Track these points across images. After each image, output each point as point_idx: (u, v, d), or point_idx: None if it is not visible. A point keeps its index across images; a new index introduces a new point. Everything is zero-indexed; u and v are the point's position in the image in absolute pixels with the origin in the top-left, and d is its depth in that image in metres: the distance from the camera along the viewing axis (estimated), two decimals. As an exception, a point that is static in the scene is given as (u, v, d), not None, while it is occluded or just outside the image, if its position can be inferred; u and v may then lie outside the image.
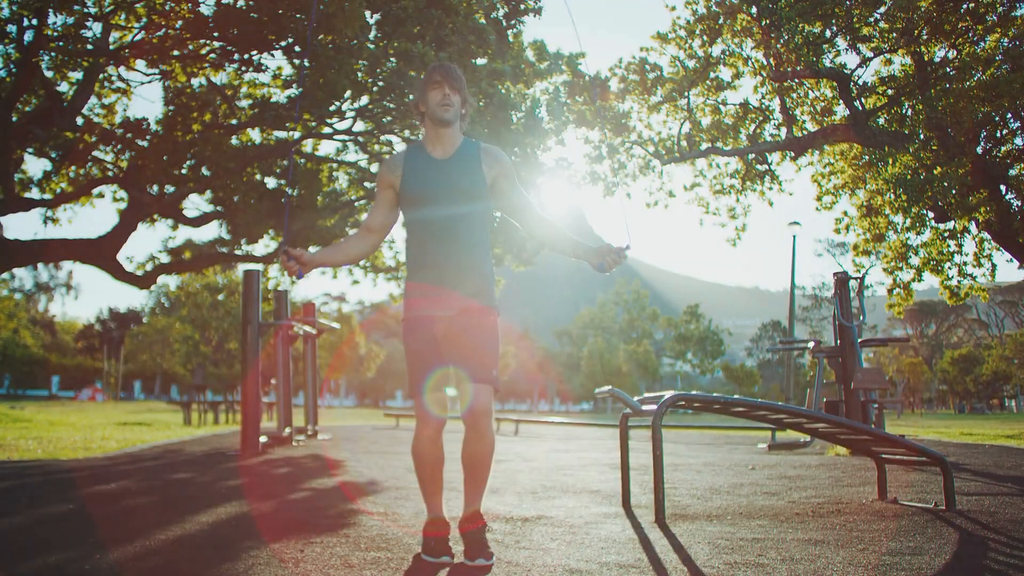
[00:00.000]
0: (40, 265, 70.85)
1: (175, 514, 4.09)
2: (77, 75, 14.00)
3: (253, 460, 7.28)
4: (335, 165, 15.96)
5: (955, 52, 14.36)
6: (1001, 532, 3.67)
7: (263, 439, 8.36)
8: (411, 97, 11.93)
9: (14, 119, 13.51)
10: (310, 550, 3.26)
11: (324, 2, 8.78)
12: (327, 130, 13.92)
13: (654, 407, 4.12)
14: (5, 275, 64.25)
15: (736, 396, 4.04)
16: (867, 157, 15.32)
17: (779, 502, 4.74)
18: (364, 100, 12.79)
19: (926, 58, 14.43)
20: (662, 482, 3.97)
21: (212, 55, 11.72)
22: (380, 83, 11.80)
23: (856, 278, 9.68)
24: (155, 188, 14.54)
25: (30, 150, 14.52)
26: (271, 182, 16.16)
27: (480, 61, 12.58)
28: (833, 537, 3.57)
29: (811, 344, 9.90)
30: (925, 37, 14.19)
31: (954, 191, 13.10)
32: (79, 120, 14.47)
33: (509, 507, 4.55)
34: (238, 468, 6.56)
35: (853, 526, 3.84)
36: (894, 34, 14.25)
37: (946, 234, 15.58)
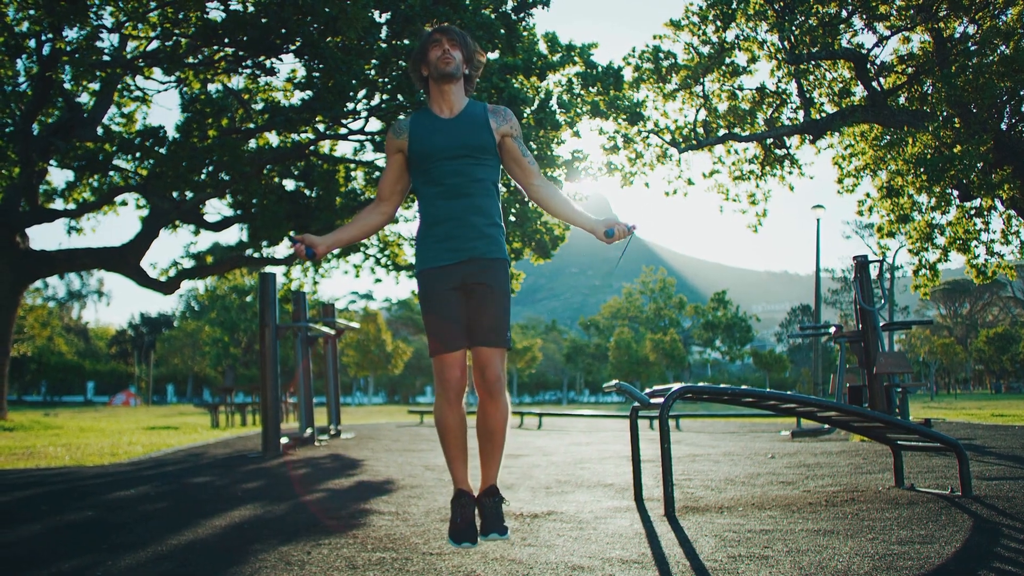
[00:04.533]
0: (72, 273, 71.97)
1: (189, 519, 4.14)
2: (95, 86, 14.21)
3: (274, 462, 7.34)
4: (352, 165, 16.04)
5: (975, 27, 14.10)
6: (1016, 518, 3.61)
7: (284, 440, 8.44)
8: (421, 95, 12.03)
9: (36, 132, 13.75)
10: (317, 552, 3.28)
11: (328, 5, 8.81)
12: (342, 131, 14.00)
13: (662, 400, 4.10)
14: (38, 284, 65.48)
15: (744, 387, 4.01)
16: (887, 137, 15.11)
17: (793, 491, 4.70)
18: (377, 99, 12.86)
19: (945, 34, 14.19)
20: (670, 475, 3.95)
21: (224, 62, 11.83)
22: (392, 83, 11.84)
23: (876, 261, 9.56)
24: (176, 194, 14.73)
25: (53, 162, 14.76)
26: (289, 184, 16.30)
27: (492, 56, 12.57)
28: (843, 527, 3.53)
29: (832, 329, 9.79)
30: (944, 13, 13.95)
31: (977, 168, 12.88)
32: (100, 130, 14.70)
33: (521, 503, 4.55)
34: (257, 470, 6.63)
35: (865, 515, 3.79)
36: (911, 11, 14.02)
37: (972, 212, 15.34)
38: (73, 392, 65.11)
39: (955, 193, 14.62)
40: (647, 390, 4.53)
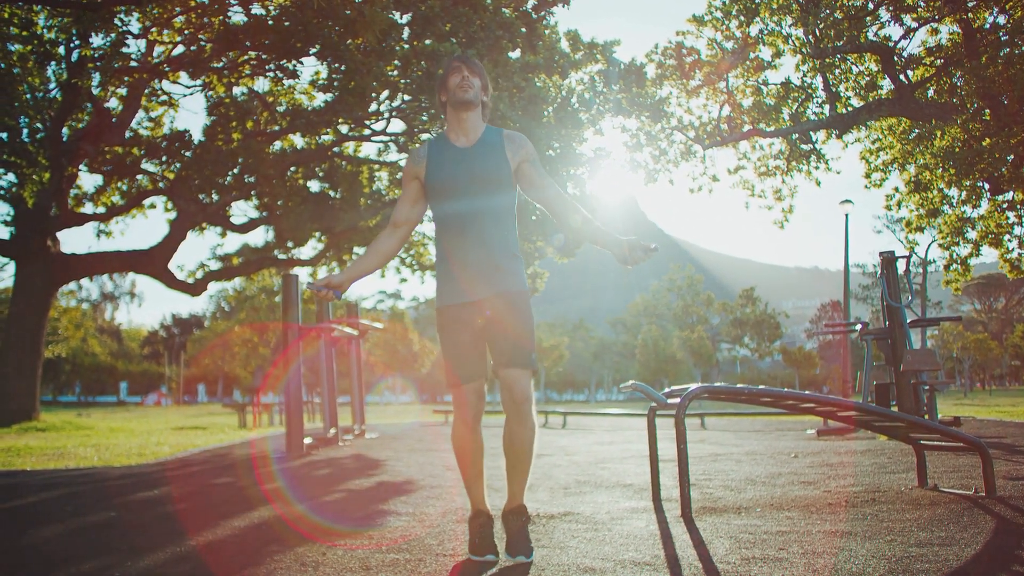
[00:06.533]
0: (104, 275, 73.05)
1: (209, 520, 4.18)
2: (123, 91, 14.40)
3: (296, 462, 7.41)
4: (376, 166, 16.12)
5: (1006, 17, 13.83)
6: (1040, 519, 3.54)
7: (308, 440, 8.51)
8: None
9: (65, 138, 13.98)
10: (332, 553, 3.30)
11: (347, 7, 8.85)
12: (365, 132, 14.07)
13: (678, 400, 4.07)
14: (72, 286, 66.55)
15: (762, 387, 3.97)
16: (916, 131, 14.89)
17: (814, 492, 4.64)
18: (399, 100, 12.91)
19: (975, 25, 13.93)
20: (687, 476, 3.93)
21: (248, 65, 11.94)
22: (414, 84, 11.87)
23: (903, 257, 9.42)
24: (203, 197, 14.90)
25: (83, 167, 14.99)
26: (314, 185, 16.42)
27: (513, 55, 12.56)
28: (862, 528, 3.48)
29: (858, 327, 9.66)
30: (973, 3, 13.70)
31: (1008, 161, 12.64)
32: (128, 134, 14.91)
33: (539, 504, 4.55)
34: (280, 471, 6.68)
35: (885, 516, 3.74)
36: (939, 1, 13.78)
37: (1004, 206, 15.07)
38: (107, 392, 66.20)
39: (986, 186, 14.37)
40: (665, 391, 4.51)
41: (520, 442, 3.11)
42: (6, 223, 14.77)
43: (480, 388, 3.11)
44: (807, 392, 4.10)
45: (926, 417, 8.51)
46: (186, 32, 11.56)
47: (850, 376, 23.28)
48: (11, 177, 12.20)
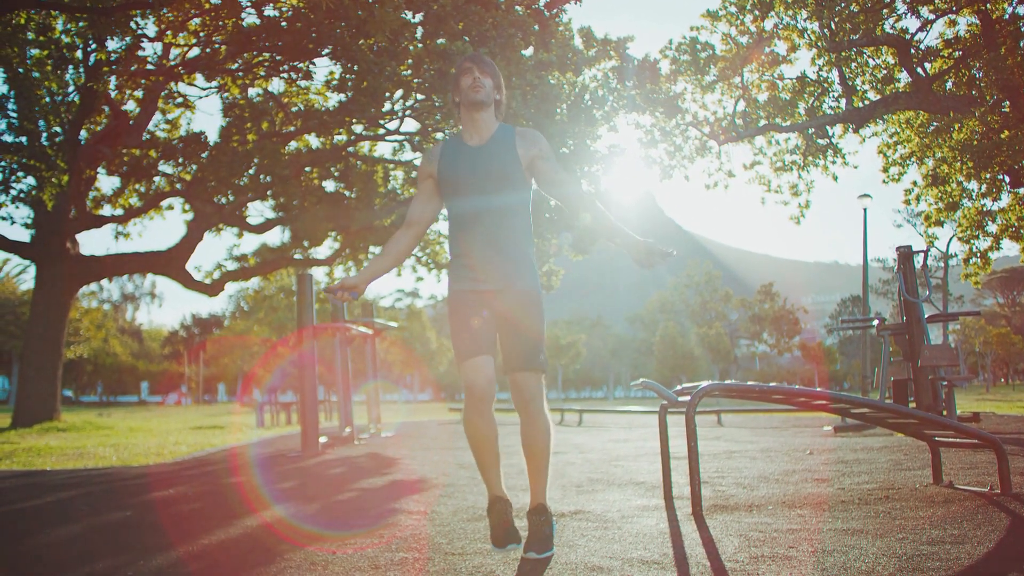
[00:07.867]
0: (125, 276, 73.63)
1: (223, 519, 4.22)
2: (139, 94, 14.53)
3: (311, 461, 7.45)
4: (391, 165, 16.15)
5: (1026, 7, 13.66)
6: (1056, 516, 3.50)
7: (323, 439, 8.55)
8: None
9: (83, 141, 14.12)
10: (342, 552, 3.32)
11: (359, 8, 8.88)
12: (379, 132, 14.11)
13: (689, 398, 4.06)
14: (93, 287, 67.19)
15: (772, 384, 3.95)
16: (934, 124, 14.73)
17: (828, 489, 4.61)
18: (412, 100, 12.92)
19: (994, 16, 13.76)
20: (697, 473, 3.92)
21: (262, 67, 12.01)
22: (427, 83, 11.89)
23: (920, 251, 9.34)
24: (220, 198, 15.00)
25: (101, 170, 15.12)
26: (329, 185, 16.49)
27: (526, 52, 12.54)
28: (874, 526, 3.46)
29: (875, 322, 9.59)
30: (991, -7, 13.53)
31: (1029, 154, 12.48)
32: (145, 137, 15.04)
33: (551, 502, 4.51)
34: (295, 470, 6.72)
35: (898, 513, 3.71)
36: (956, -8, 13.63)
37: (1025, 199, 14.89)
38: (128, 392, 66.93)
39: (1006, 179, 14.21)
40: (675, 388, 4.49)
41: (533, 441, 3.12)
42: (26, 226, 14.94)
43: (486, 369, 3.07)
44: (818, 389, 4.08)
45: (944, 413, 8.43)
46: (201, 34, 11.63)
47: (869, 371, 23.08)
48: (30, 180, 12.33)
